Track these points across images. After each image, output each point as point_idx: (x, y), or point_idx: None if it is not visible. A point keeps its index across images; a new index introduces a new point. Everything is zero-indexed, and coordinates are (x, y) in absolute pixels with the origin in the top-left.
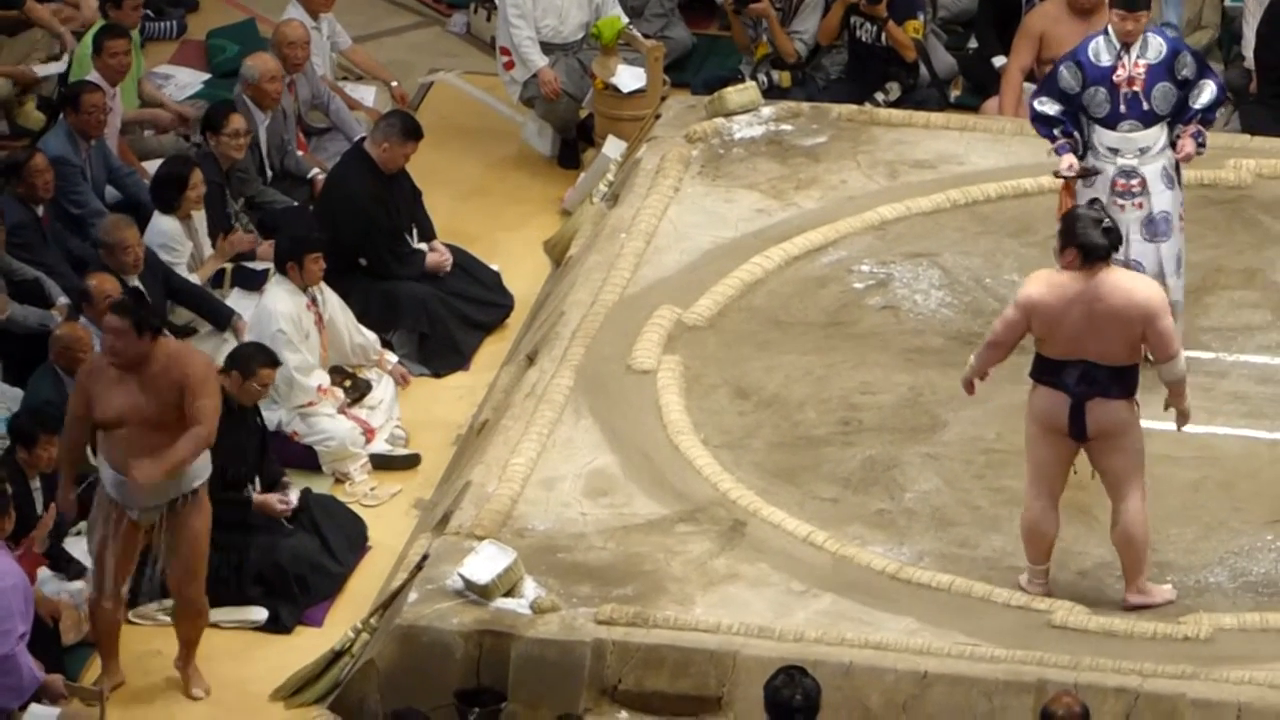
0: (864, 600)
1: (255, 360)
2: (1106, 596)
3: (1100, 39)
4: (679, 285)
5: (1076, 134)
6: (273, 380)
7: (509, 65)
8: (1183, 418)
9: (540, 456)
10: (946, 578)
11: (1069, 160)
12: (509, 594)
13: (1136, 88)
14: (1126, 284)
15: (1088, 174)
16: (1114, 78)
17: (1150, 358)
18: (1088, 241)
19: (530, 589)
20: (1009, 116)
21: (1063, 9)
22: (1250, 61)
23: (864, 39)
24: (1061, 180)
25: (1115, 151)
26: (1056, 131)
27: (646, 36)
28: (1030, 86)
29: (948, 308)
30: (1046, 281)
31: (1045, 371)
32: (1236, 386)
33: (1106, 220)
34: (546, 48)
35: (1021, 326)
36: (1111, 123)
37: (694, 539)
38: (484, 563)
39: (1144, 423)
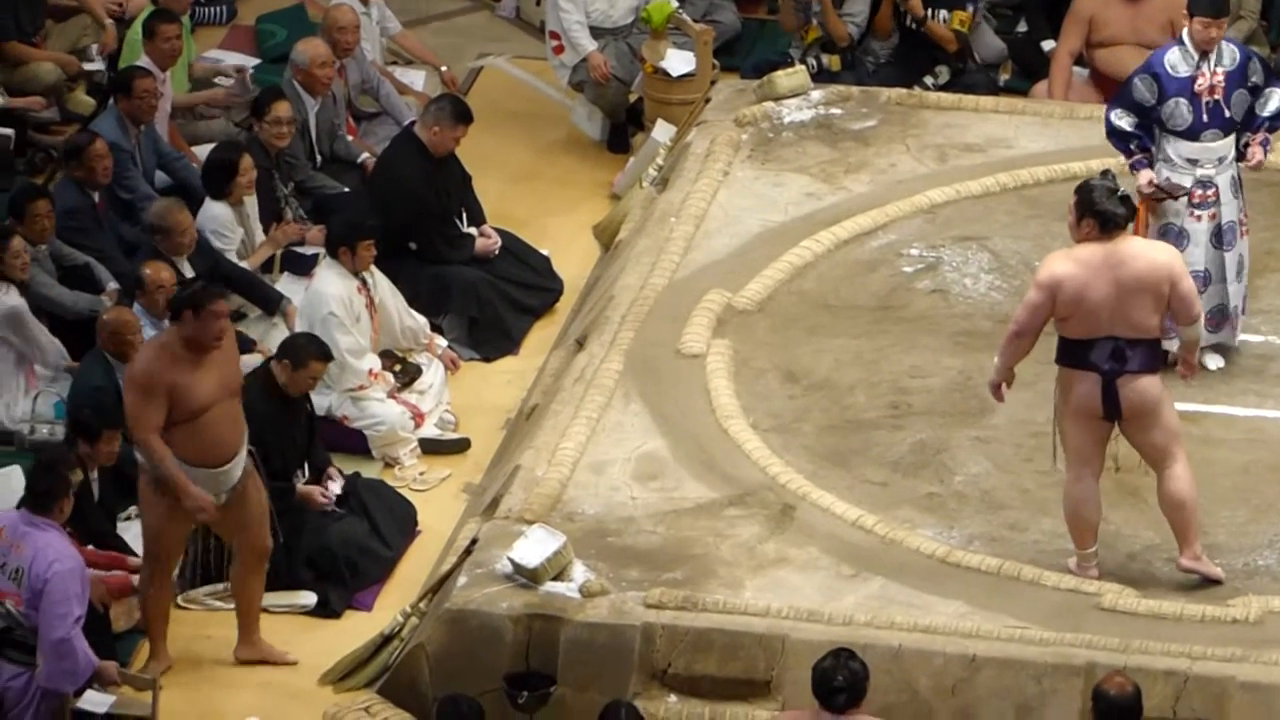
0: (913, 584)
1: (307, 351)
2: (1155, 579)
3: (1175, 49)
4: (728, 269)
5: (1152, 148)
6: (323, 373)
7: (558, 50)
8: (1189, 369)
9: (589, 441)
10: (995, 561)
11: (1147, 175)
12: (558, 578)
13: (1218, 96)
14: (1145, 249)
15: (1174, 192)
16: (1195, 88)
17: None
18: (1105, 209)
19: (579, 573)
20: (1058, 100)
21: None
22: None
23: (911, 25)
24: (1141, 197)
25: (1194, 162)
26: (1133, 146)
27: (695, 20)
28: (1081, 72)
29: (997, 291)
30: (1068, 257)
31: (1071, 354)
32: None
33: (1122, 189)
34: (596, 32)
35: (1046, 309)
36: (1193, 134)
37: (743, 523)
38: (533, 547)
39: (1196, 406)
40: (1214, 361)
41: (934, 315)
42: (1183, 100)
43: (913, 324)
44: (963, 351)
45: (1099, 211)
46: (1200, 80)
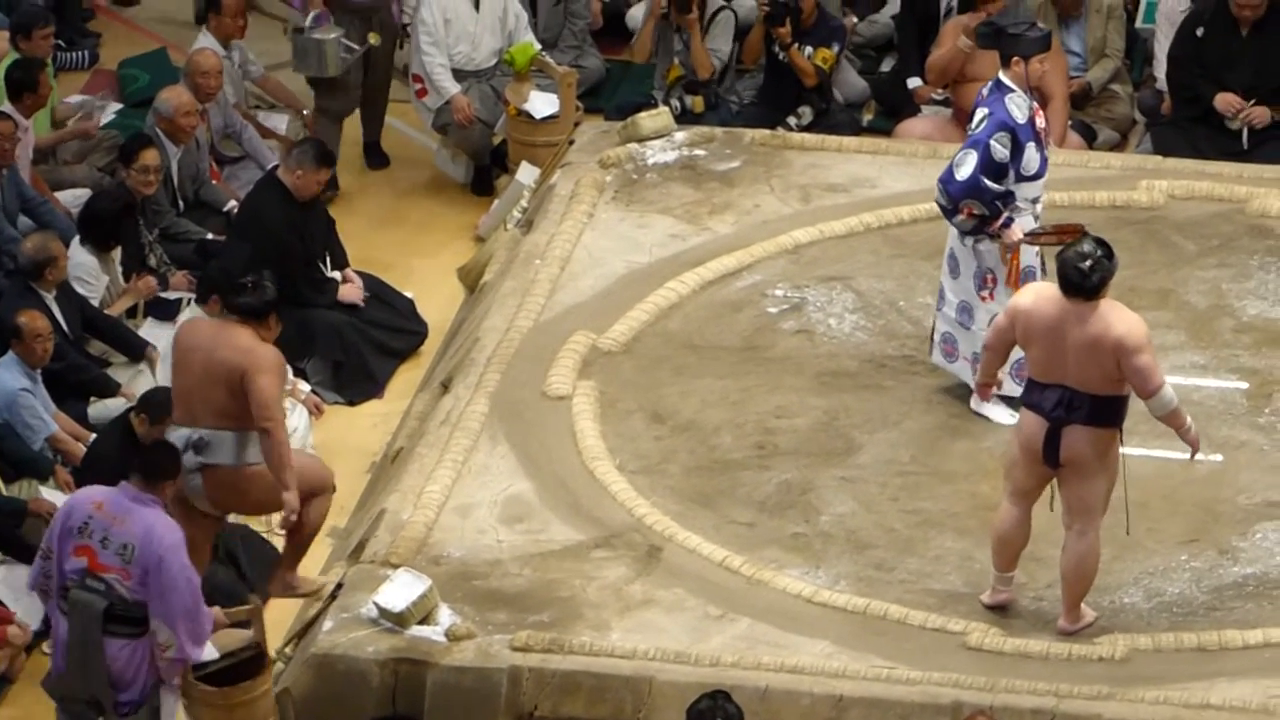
0: (780, 624)
1: (165, 408)
2: (1022, 617)
3: (1010, 97)
4: (594, 311)
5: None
6: None
7: (422, 93)
8: (1191, 448)
9: (455, 483)
10: (862, 600)
11: (1021, 226)
12: (424, 621)
13: (1044, 126)
14: (1109, 314)
15: (1051, 233)
16: (1036, 129)
17: None
18: (1061, 275)
19: (445, 616)
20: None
21: None
22: (1162, 83)
23: (782, 59)
24: (1014, 249)
25: (1034, 201)
26: (1000, 204)
27: (559, 63)
28: (944, 110)
29: (862, 331)
30: (1037, 293)
31: (1029, 393)
32: None
33: (1090, 259)
34: (459, 74)
35: (1009, 333)
36: (1039, 175)
37: (610, 564)
38: (399, 590)
39: None
40: (1003, 415)
41: (799, 355)
42: (1032, 145)
43: (778, 364)
44: (828, 391)
45: (1060, 275)
46: (1038, 119)
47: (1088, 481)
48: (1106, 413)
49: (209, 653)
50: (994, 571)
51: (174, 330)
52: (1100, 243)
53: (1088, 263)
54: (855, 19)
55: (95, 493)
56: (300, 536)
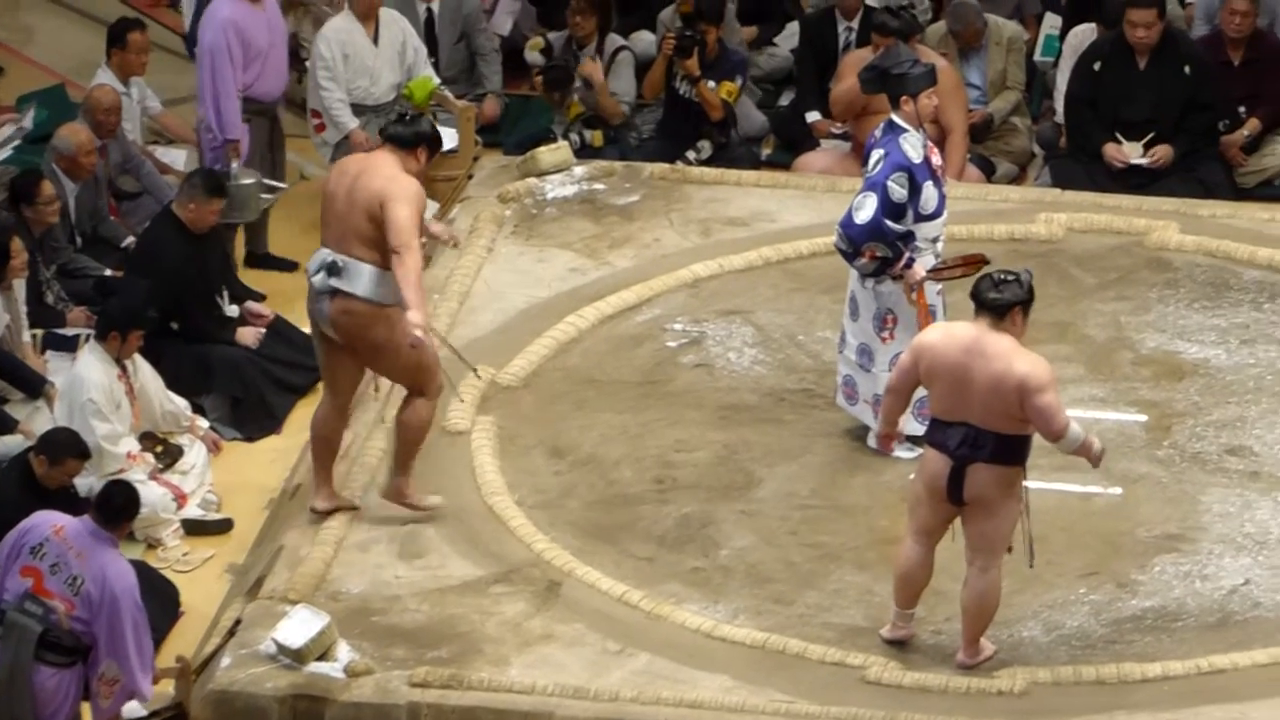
0: (680, 659)
1: (64, 449)
2: (922, 651)
3: (904, 137)
4: (493, 345)
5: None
6: (79, 470)
7: (320, 128)
8: (1093, 464)
9: (354, 519)
10: (761, 635)
11: (921, 265)
12: (323, 658)
13: (940, 164)
14: (1010, 352)
15: (953, 266)
16: (933, 168)
17: None
18: (974, 292)
19: (344, 652)
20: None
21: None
22: (1061, 116)
23: (684, 93)
24: (918, 288)
25: (935, 240)
26: (902, 245)
27: (459, 97)
28: (843, 145)
29: (761, 365)
30: (943, 330)
31: (932, 431)
32: None
33: (1004, 278)
34: (358, 109)
35: (913, 372)
36: (937, 213)
37: (509, 600)
38: (297, 627)
39: None
40: (903, 450)
41: (699, 389)
42: (930, 183)
43: (678, 398)
44: (727, 425)
45: (972, 294)
46: (934, 157)
47: (992, 519)
48: (1010, 451)
49: (132, 709)
50: (895, 608)
51: (72, 365)
52: (1026, 273)
53: (1002, 279)
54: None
55: (57, 517)
56: (405, 438)
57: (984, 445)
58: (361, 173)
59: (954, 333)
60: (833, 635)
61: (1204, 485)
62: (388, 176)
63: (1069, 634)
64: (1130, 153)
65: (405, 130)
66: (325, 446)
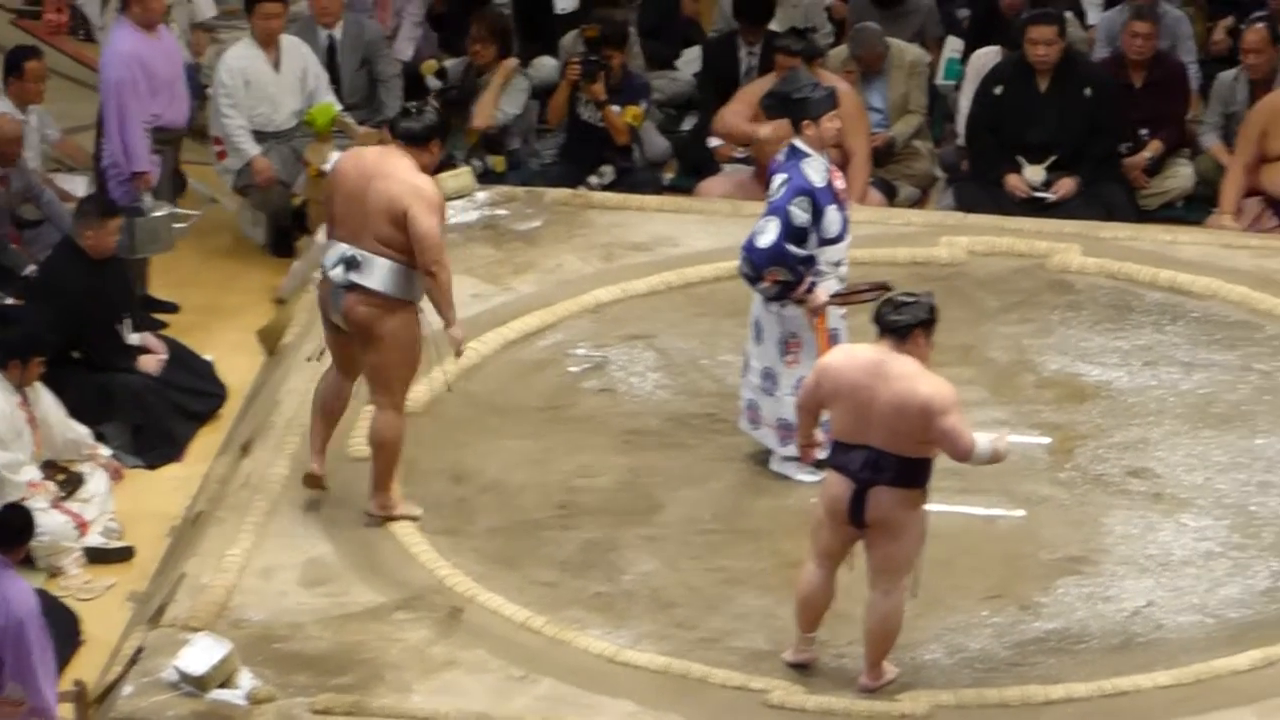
0: (583, 684)
1: None
2: (825, 674)
3: (807, 161)
4: None
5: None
6: None
7: (222, 155)
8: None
9: (256, 546)
10: (664, 660)
11: (826, 288)
12: (225, 685)
13: (843, 188)
14: (913, 374)
15: (856, 292)
16: (836, 191)
17: None
18: (877, 315)
19: (246, 680)
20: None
21: None
22: (963, 139)
23: (588, 117)
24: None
25: (838, 264)
26: (803, 269)
27: (360, 124)
28: (745, 168)
29: (664, 389)
30: (846, 353)
31: (834, 453)
32: (952, 463)
33: (905, 300)
34: (259, 136)
35: (816, 392)
36: (840, 237)
37: (412, 626)
38: (199, 654)
39: None
40: (804, 473)
41: (602, 414)
42: (832, 207)
43: (581, 423)
44: (631, 450)
45: (876, 317)
46: (836, 181)
47: (895, 542)
48: (913, 474)
49: None
50: (797, 631)
51: None
52: (927, 296)
53: (903, 301)
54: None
55: None
56: (383, 456)
57: (886, 468)
58: (379, 175)
59: (856, 355)
60: (736, 660)
61: (1106, 507)
62: (408, 183)
63: (972, 656)
64: (1032, 175)
65: (417, 125)
66: (328, 420)
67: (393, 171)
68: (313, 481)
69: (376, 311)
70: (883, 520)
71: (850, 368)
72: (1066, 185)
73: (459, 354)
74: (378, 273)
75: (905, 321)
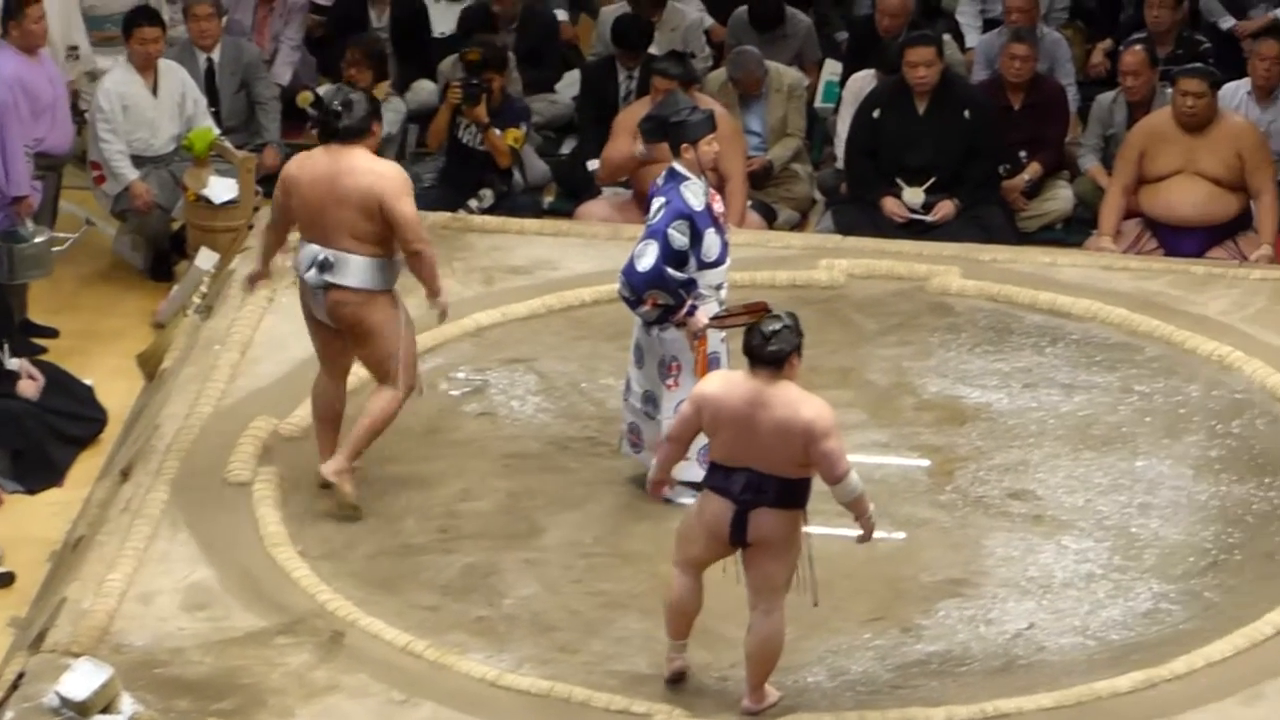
0: (465, 708)
1: None
2: (706, 697)
3: (685, 185)
4: (275, 396)
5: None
6: None
7: (100, 179)
8: (864, 535)
9: (137, 571)
10: (546, 683)
11: (704, 313)
12: (106, 710)
13: (722, 211)
14: (797, 400)
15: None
16: (715, 215)
17: None
18: (747, 348)
19: (128, 705)
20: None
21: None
22: (842, 163)
23: (467, 141)
24: (700, 335)
25: (719, 287)
26: (684, 292)
27: (239, 148)
28: (624, 191)
29: (545, 413)
30: (724, 379)
31: (713, 476)
32: None
33: (773, 329)
34: (137, 161)
35: (695, 421)
36: (720, 260)
37: (293, 651)
38: (80, 679)
39: None
40: (685, 496)
41: (482, 438)
42: (711, 230)
43: (462, 447)
44: (512, 474)
45: (745, 348)
46: (715, 204)
47: (775, 561)
48: (793, 495)
49: None
50: (669, 640)
51: None
52: (790, 316)
53: (772, 331)
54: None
55: None
56: (368, 425)
57: (767, 490)
58: (340, 172)
59: (735, 383)
60: (617, 683)
61: (987, 529)
62: (373, 171)
63: (854, 679)
64: (911, 198)
65: (354, 121)
66: (329, 424)
67: (354, 165)
68: (328, 487)
69: (357, 308)
70: (763, 540)
71: (730, 396)
72: (945, 208)
73: (443, 319)
74: (353, 270)
75: (783, 351)
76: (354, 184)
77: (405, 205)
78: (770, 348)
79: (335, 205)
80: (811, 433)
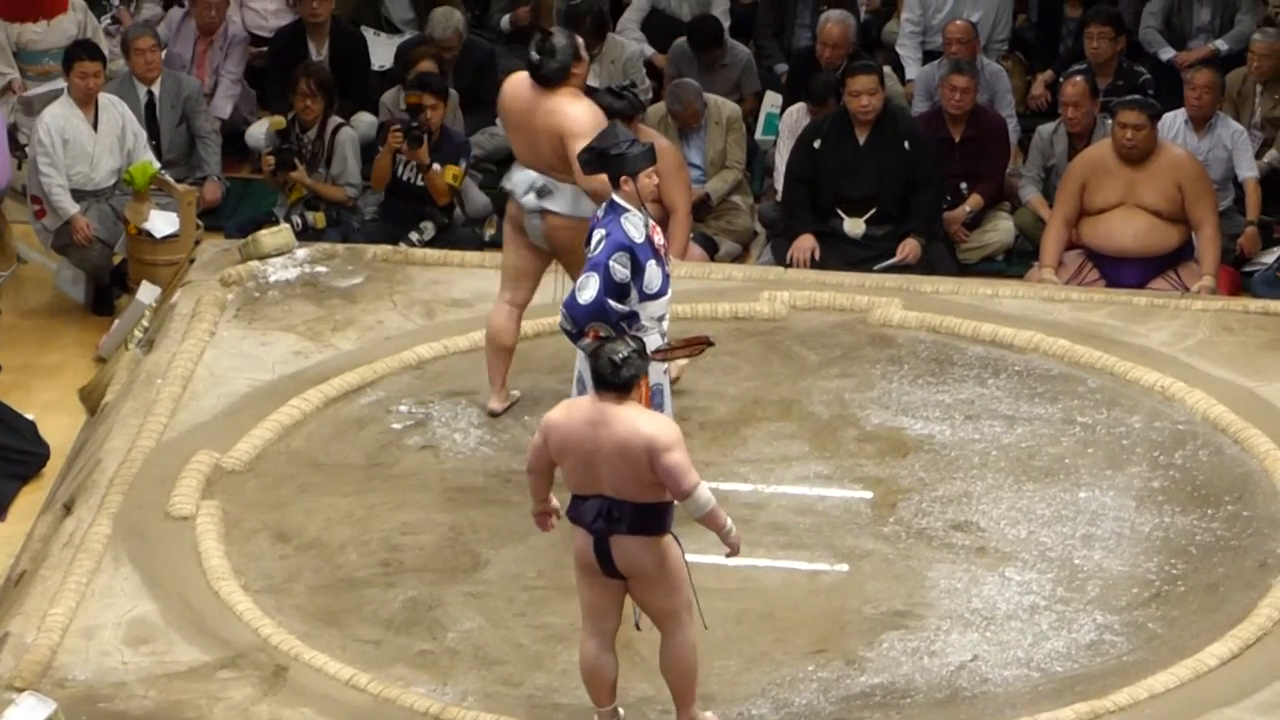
0: None
1: None
2: None
3: (626, 217)
4: (217, 430)
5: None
6: None
7: (41, 213)
8: (730, 549)
9: (79, 606)
10: (490, 716)
11: (648, 344)
12: None
13: (663, 243)
14: (635, 416)
15: (678, 348)
16: (656, 246)
17: None
18: (594, 371)
19: None
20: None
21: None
22: (782, 195)
23: (407, 178)
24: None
25: (660, 319)
26: (625, 325)
27: (179, 181)
28: None
29: (487, 446)
30: (567, 405)
31: (572, 507)
32: (775, 518)
33: (623, 354)
34: (78, 194)
35: (544, 450)
36: (662, 292)
37: (236, 685)
38: (24, 714)
39: (689, 556)
40: None
41: (424, 471)
42: (653, 262)
43: (404, 480)
44: (454, 507)
45: (593, 372)
46: (656, 236)
47: (656, 587)
48: (650, 520)
49: None
50: (594, 709)
51: None
52: (635, 340)
53: (620, 356)
54: None
55: None
56: None
57: (622, 516)
58: (535, 111)
59: (576, 407)
60: (562, 716)
61: (930, 561)
62: (566, 114)
63: (798, 712)
64: (852, 228)
65: (553, 67)
66: (503, 353)
67: (549, 107)
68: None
69: (571, 234)
70: (634, 568)
71: (572, 420)
72: (911, 247)
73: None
74: (564, 197)
75: (633, 376)
76: (548, 122)
77: (577, 146)
78: (623, 373)
79: (539, 136)
80: (654, 446)
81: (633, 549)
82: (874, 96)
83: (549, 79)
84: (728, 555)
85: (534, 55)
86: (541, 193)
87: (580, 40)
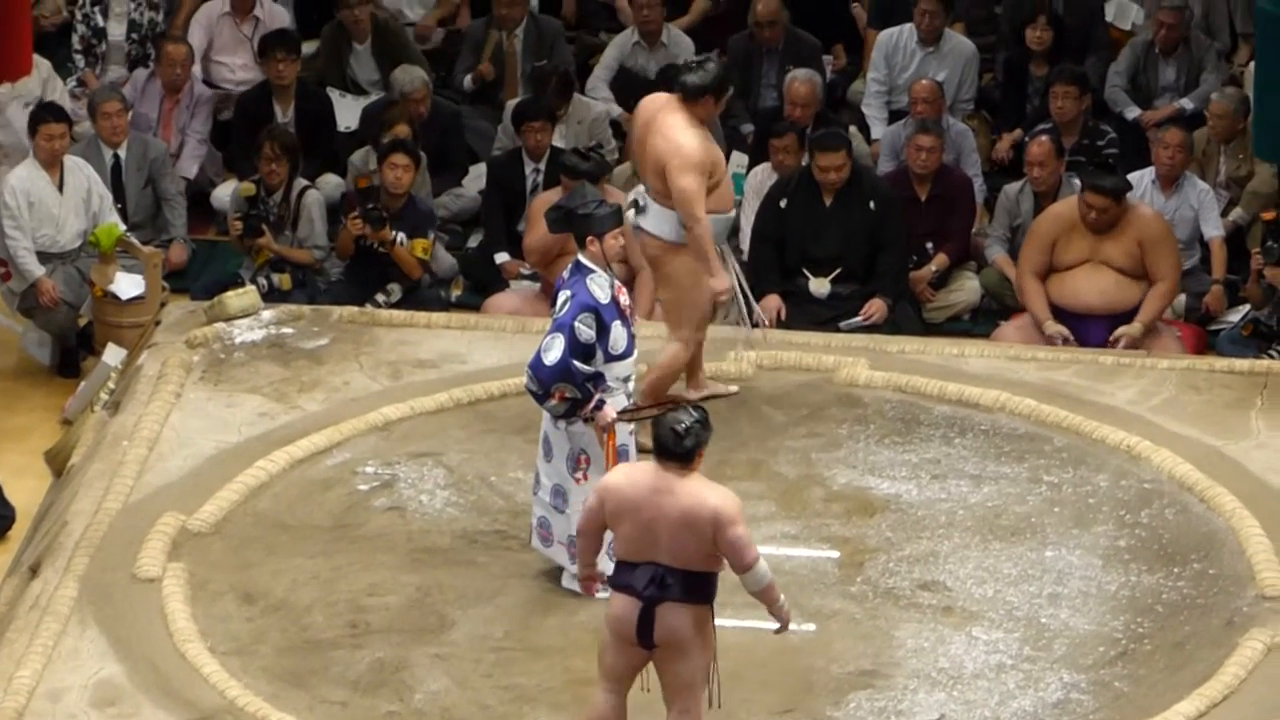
0: None
1: None
2: None
3: (591, 278)
4: (183, 492)
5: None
6: None
7: (6, 276)
8: (781, 625)
9: (46, 669)
10: None
11: (613, 406)
12: None
13: (629, 304)
14: (702, 488)
15: (645, 409)
16: (622, 307)
17: None
18: (656, 441)
19: None
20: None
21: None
22: (748, 254)
23: (371, 243)
24: (610, 429)
25: (626, 380)
26: (592, 387)
27: (145, 243)
28: (533, 285)
29: (454, 506)
30: (627, 471)
31: (618, 574)
32: None
33: (686, 424)
34: (43, 257)
35: (599, 514)
36: (628, 353)
37: None
38: None
39: None
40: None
41: (391, 532)
42: (618, 323)
43: (370, 542)
44: (420, 568)
45: (655, 441)
46: (622, 297)
47: (686, 660)
48: (700, 589)
49: None
50: None
51: None
52: (697, 408)
53: (683, 426)
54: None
55: None
56: (659, 376)
57: (673, 584)
58: (651, 132)
59: (639, 473)
60: None
61: (897, 621)
62: (672, 141)
63: None
64: (817, 288)
65: (695, 79)
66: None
67: (662, 129)
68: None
69: (656, 253)
70: (670, 639)
71: (633, 486)
72: (877, 307)
73: (718, 301)
74: (653, 217)
75: (695, 446)
76: (654, 144)
77: (683, 179)
78: (686, 443)
79: (645, 157)
80: (719, 520)
81: (678, 617)
82: (840, 171)
83: (682, 87)
84: (776, 631)
85: (686, 66)
86: (638, 209)
87: (730, 84)
